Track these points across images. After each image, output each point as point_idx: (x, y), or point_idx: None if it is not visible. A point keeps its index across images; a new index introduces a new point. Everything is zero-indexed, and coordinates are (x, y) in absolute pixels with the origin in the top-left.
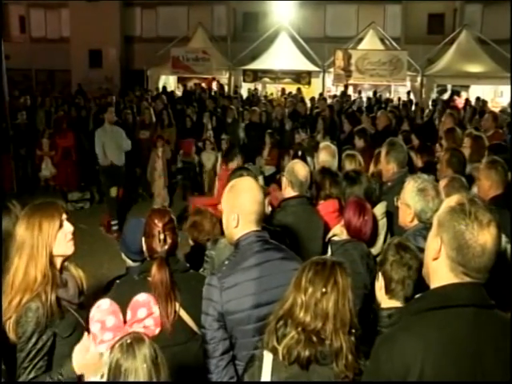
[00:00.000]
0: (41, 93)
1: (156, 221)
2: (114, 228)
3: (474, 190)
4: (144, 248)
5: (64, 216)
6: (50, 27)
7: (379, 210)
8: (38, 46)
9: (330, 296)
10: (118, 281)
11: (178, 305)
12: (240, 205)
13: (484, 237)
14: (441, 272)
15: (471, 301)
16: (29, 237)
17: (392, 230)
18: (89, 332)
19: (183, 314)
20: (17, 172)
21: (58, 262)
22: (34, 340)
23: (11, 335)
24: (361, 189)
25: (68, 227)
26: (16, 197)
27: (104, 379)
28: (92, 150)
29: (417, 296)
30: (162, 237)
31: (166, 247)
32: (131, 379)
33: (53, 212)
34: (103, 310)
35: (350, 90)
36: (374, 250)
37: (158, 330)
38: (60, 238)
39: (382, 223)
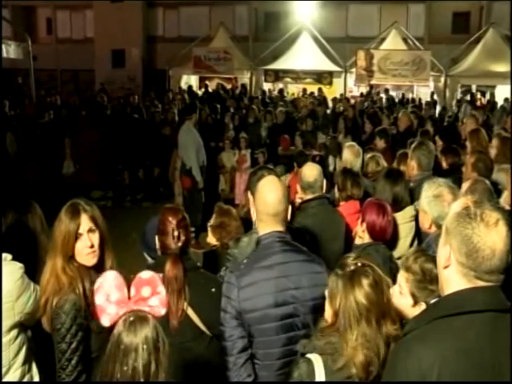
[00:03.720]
0: (65, 92)
1: (170, 218)
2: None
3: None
4: (157, 245)
5: (84, 228)
6: (74, 28)
7: (409, 212)
8: (64, 46)
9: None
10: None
11: (185, 303)
12: (262, 204)
13: (492, 238)
14: (453, 279)
15: (486, 306)
16: (55, 240)
17: (419, 233)
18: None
19: (190, 312)
20: (40, 170)
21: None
22: (73, 331)
23: (46, 326)
24: (392, 190)
25: (85, 242)
26: (39, 194)
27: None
28: (114, 149)
29: (431, 302)
30: (176, 234)
31: (180, 244)
32: (130, 358)
33: (68, 225)
34: (109, 283)
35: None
36: (396, 253)
37: (163, 311)
38: (78, 249)
39: (411, 226)
